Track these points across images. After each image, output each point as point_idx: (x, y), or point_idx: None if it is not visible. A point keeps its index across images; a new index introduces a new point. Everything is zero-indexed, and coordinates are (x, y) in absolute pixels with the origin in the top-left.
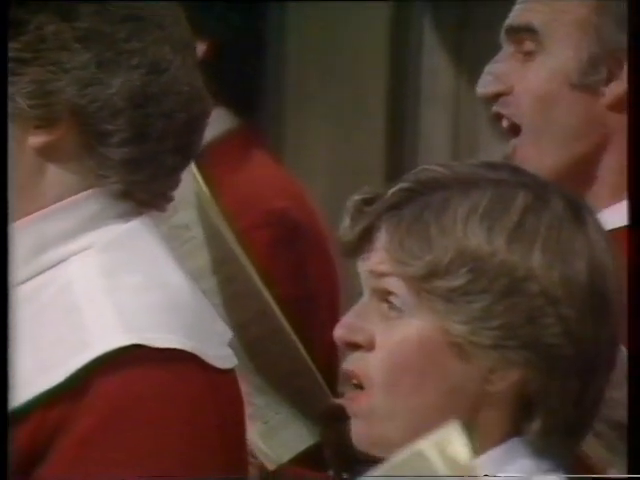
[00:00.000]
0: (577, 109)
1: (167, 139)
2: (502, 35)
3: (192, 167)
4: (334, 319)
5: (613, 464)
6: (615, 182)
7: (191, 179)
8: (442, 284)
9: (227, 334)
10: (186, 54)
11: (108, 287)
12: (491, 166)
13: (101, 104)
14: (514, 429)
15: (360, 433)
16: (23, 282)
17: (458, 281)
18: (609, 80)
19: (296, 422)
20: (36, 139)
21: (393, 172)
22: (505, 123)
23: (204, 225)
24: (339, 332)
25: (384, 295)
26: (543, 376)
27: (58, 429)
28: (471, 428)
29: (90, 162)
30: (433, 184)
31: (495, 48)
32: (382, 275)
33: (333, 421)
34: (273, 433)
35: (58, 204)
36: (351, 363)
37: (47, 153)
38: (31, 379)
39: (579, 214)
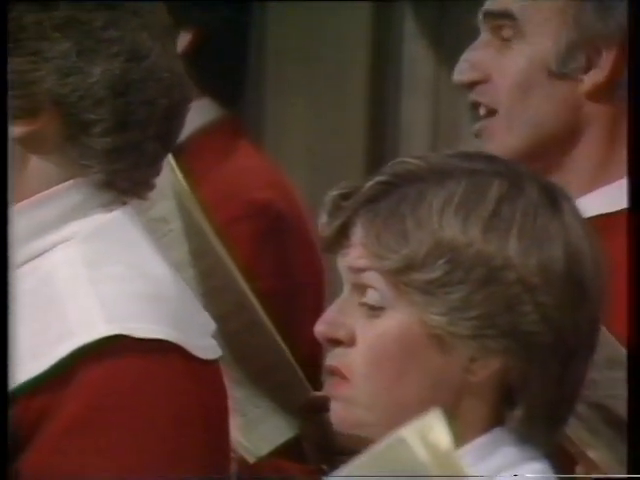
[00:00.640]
0: (555, 97)
1: (149, 126)
2: (479, 20)
3: (170, 159)
4: (319, 310)
5: (592, 445)
6: (592, 170)
7: (169, 171)
8: (419, 276)
9: (211, 325)
10: (165, 40)
11: (91, 277)
12: (467, 156)
13: (82, 93)
14: (497, 418)
15: (339, 416)
16: None
17: (435, 273)
18: (588, 68)
19: (275, 415)
20: (17, 129)
21: (374, 160)
22: (482, 111)
23: (182, 218)
24: (320, 328)
25: (364, 290)
26: (523, 363)
27: (41, 418)
28: (454, 418)
29: (72, 152)
30: (409, 176)
31: (475, 36)
32: (361, 270)
33: (313, 414)
34: (252, 427)
35: (40, 194)
36: (333, 359)
37: (29, 143)
38: (14, 368)
39: (555, 201)
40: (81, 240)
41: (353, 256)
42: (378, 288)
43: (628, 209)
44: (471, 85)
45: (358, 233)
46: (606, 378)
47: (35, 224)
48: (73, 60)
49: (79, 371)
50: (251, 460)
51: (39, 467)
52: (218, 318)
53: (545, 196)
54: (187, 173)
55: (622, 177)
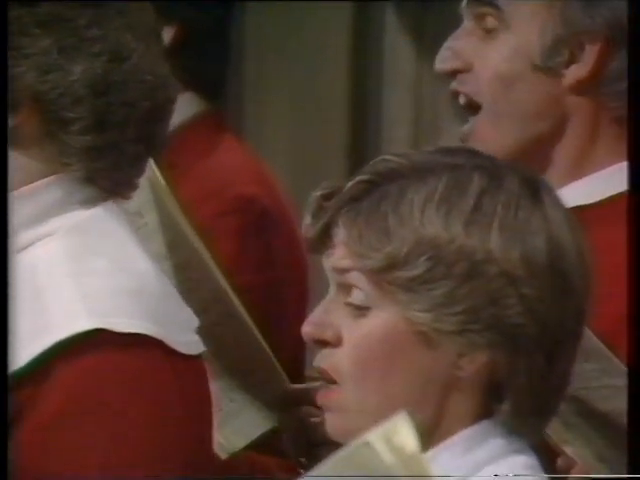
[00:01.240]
0: (538, 90)
1: (129, 127)
2: (462, 7)
3: None
4: (303, 306)
5: (568, 441)
6: (573, 161)
7: None
8: (402, 274)
9: (194, 321)
10: (150, 41)
11: (72, 271)
12: (447, 151)
13: (62, 91)
14: (485, 411)
15: (334, 426)
16: None
17: (417, 270)
18: (570, 62)
19: (251, 409)
20: None
21: (356, 155)
22: (462, 100)
23: (157, 211)
24: (307, 329)
25: (349, 290)
26: (509, 356)
27: (20, 412)
28: (442, 413)
29: (52, 149)
30: (391, 174)
31: (458, 27)
32: (345, 270)
33: (291, 407)
34: (227, 421)
35: (21, 189)
36: (321, 360)
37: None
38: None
39: (536, 192)
40: (63, 235)
41: (337, 256)
42: (362, 288)
43: (628, 193)
44: (453, 74)
45: (341, 233)
46: (580, 370)
47: (16, 219)
48: (54, 57)
49: (59, 365)
50: (223, 456)
51: (19, 462)
52: (194, 310)
53: (526, 188)
54: (170, 167)
55: (602, 169)
